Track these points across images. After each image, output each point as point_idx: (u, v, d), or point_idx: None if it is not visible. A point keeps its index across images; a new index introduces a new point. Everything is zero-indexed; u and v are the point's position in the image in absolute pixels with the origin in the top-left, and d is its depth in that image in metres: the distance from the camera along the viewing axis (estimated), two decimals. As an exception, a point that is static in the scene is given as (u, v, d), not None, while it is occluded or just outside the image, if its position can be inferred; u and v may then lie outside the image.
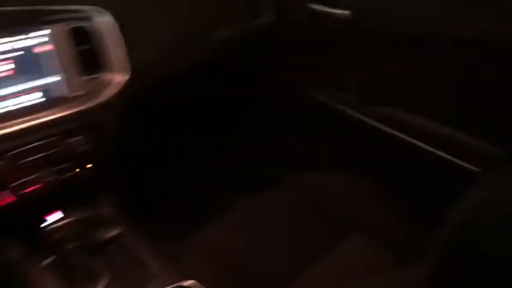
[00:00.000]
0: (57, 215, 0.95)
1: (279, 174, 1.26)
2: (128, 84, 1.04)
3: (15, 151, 0.92)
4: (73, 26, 0.99)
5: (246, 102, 1.56)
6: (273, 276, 0.96)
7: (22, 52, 0.94)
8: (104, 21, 1.01)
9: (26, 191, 0.95)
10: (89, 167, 1.03)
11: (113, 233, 1.05)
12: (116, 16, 1.02)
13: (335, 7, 1.18)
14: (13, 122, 0.91)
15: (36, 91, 0.96)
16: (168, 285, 0.88)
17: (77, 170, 1.02)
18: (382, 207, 1.15)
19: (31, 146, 0.94)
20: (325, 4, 1.22)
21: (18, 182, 0.94)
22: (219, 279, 0.95)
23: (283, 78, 1.49)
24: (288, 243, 1.06)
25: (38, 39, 0.95)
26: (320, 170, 1.25)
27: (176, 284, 0.90)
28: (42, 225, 0.94)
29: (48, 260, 0.97)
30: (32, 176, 0.96)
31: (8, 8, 0.89)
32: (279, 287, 0.77)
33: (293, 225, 1.10)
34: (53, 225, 0.93)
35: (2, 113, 0.91)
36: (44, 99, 0.97)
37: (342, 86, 1.32)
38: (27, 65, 0.95)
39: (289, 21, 1.35)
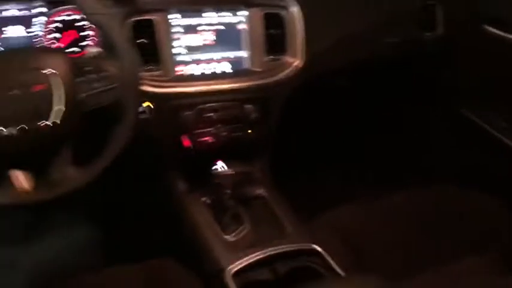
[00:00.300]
0: (221, 164, 1.15)
1: (425, 179, 1.30)
2: (302, 69, 1.19)
3: (202, 106, 1.13)
4: (268, 11, 1.16)
5: (407, 105, 1.62)
6: (392, 263, 1.03)
7: (223, 27, 1.15)
8: (295, 12, 1.16)
9: (201, 139, 1.17)
10: (253, 132, 1.21)
11: (260, 191, 1.23)
12: (302, 9, 1.16)
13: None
14: (206, 82, 1.13)
15: (226, 61, 1.17)
16: (295, 244, 1.03)
17: (245, 132, 1.20)
18: None
19: (215, 104, 1.14)
20: (503, 27, 1.22)
21: (197, 131, 1.16)
22: (342, 252, 1.06)
23: (445, 94, 1.51)
24: (415, 241, 1.11)
25: (237, 18, 1.15)
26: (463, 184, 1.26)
27: (305, 245, 1.04)
28: (209, 170, 1.15)
29: (207, 198, 1.18)
30: (209, 129, 1.17)
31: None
32: (394, 274, 0.84)
33: (426, 226, 1.15)
34: (217, 172, 1.13)
35: (199, 74, 1.14)
36: (231, 69, 1.17)
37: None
38: (224, 39, 1.15)
39: (462, 40, 1.36)
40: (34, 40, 1.03)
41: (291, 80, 1.19)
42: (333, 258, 1.01)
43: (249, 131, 1.21)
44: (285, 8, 1.17)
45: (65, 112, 0.80)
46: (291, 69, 1.19)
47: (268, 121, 1.23)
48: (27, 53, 0.87)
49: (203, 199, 1.17)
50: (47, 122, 0.79)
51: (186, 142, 1.16)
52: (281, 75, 1.18)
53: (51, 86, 0.79)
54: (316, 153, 1.66)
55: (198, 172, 1.17)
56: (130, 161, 1.09)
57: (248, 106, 1.17)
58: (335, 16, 1.24)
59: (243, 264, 0.98)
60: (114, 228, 1.44)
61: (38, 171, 0.85)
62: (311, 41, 1.19)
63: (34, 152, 0.82)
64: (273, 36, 1.18)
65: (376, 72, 1.45)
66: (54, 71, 0.79)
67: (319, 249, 1.03)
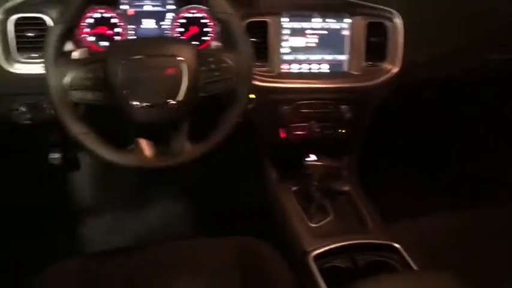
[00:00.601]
0: (313, 157, 1.25)
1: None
2: (398, 77, 1.25)
3: (300, 102, 1.24)
4: (371, 20, 1.24)
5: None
6: (470, 274, 1.06)
7: (327, 32, 1.24)
8: (398, 23, 1.23)
9: (295, 133, 1.27)
10: (345, 131, 1.29)
11: (346, 187, 1.31)
12: (405, 20, 1.23)
13: None
14: (305, 80, 1.24)
15: (326, 63, 1.27)
16: (374, 239, 1.10)
17: (338, 130, 1.29)
18: None
19: (312, 101, 1.25)
20: None
21: (293, 125, 1.26)
22: (420, 254, 1.10)
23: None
24: (495, 256, 1.13)
25: (341, 24, 1.25)
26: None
27: (385, 241, 1.11)
28: (301, 161, 1.25)
29: (296, 188, 1.28)
30: (303, 124, 1.27)
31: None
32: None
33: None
34: (308, 163, 1.23)
35: (300, 72, 1.25)
36: (329, 70, 1.27)
37: None
38: (326, 42, 1.25)
39: None
40: (165, 32, 1.20)
41: (387, 85, 1.26)
42: (412, 259, 1.07)
43: (341, 130, 1.29)
44: (389, 19, 1.24)
45: (189, 94, 0.94)
46: (388, 75, 1.25)
47: (360, 122, 1.31)
48: (165, 42, 1.02)
49: (293, 188, 1.28)
50: (173, 101, 0.94)
51: (282, 134, 1.27)
52: (378, 80, 1.25)
53: (181, 70, 0.93)
54: (402, 158, 1.70)
55: (290, 163, 1.28)
56: (231, 147, 1.23)
57: (343, 106, 1.26)
58: (437, 30, 1.29)
59: (324, 249, 1.07)
60: (209, 204, 1.60)
61: (160, 142, 1.00)
62: (410, 51, 1.25)
63: (160, 125, 0.97)
64: (374, 44, 1.25)
65: (472, 87, 1.47)
66: (183, 59, 0.94)
67: (398, 246, 1.09)
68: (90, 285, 0.98)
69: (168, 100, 0.93)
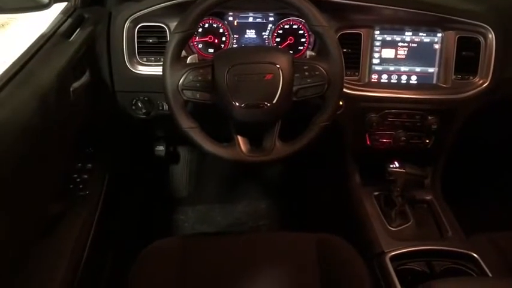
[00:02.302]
0: (397, 164, 1.29)
1: None
2: (489, 91, 1.26)
3: (388, 110, 1.29)
4: (463, 35, 1.27)
5: None
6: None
7: (415, 45, 1.29)
8: (491, 38, 1.25)
9: (381, 140, 1.33)
10: (430, 142, 1.33)
11: (428, 196, 1.34)
12: (498, 36, 1.24)
13: None
14: (394, 90, 1.29)
15: (414, 75, 1.31)
16: (453, 247, 1.12)
17: (424, 140, 1.33)
18: None
19: (399, 111, 1.30)
20: None
21: (379, 132, 1.32)
22: (499, 267, 1.11)
23: None
24: None
25: (432, 38, 1.28)
26: None
27: (463, 250, 1.13)
28: (385, 167, 1.30)
29: (378, 193, 1.35)
30: (390, 132, 1.32)
31: (415, 11, 1.24)
32: None
33: None
34: (392, 169, 1.28)
35: (389, 82, 1.30)
36: (416, 81, 1.31)
37: None
38: (416, 55, 1.30)
39: None
40: (264, 42, 1.32)
41: (477, 99, 1.28)
42: (489, 269, 1.08)
43: (427, 141, 1.33)
44: (482, 34, 1.26)
45: (283, 98, 1.05)
46: (478, 89, 1.27)
47: (446, 134, 1.33)
48: (264, 50, 1.14)
49: (375, 193, 1.34)
50: (269, 104, 1.05)
51: (368, 141, 1.34)
52: (468, 93, 1.27)
53: (278, 76, 1.04)
54: (487, 172, 1.68)
55: (374, 168, 1.34)
56: (320, 149, 1.32)
57: (431, 117, 1.30)
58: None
59: (401, 251, 1.12)
60: (293, 202, 1.70)
61: (255, 140, 1.12)
62: (504, 66, 1.26)
63: (256, 124, 1.09)
64: (464, 58, 1.27)
65: None
66: (280, 66, 1.04)
67: (476, 255, 1.11)
68: (184, 263, 1.10)
69: (265, 102, 1.05)
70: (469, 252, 1.12)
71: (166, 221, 1.77)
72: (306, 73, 1.07)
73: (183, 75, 1.05)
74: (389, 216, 1.27)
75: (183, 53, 1.27)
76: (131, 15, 1.21)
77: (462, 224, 1.28)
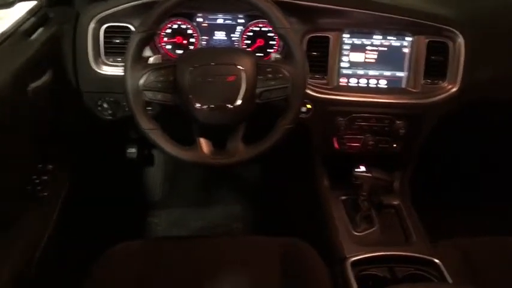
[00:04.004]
0: (362, 168, 1.28)
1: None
2: (457, 96, 1.26)
3: (356, 114, 1.29)
4: (433, 39, 1.26)
5: None
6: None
7: (385, 49, 1.29)
8: (461, 43, 1.24)
9: (349, 144, 1.32)
10: (399, 147, 1.32)
11: (395, 201, 1.33)
12: (467, 41, 1.24)
13: None
14: (362, 94, 1.28)
15: (384, 79, 1.30)
16: (416, 253, 1.11)
17: (392, 145, 1.32)
18: None
19: (367, 115, 1.29)
20: None
21: (347, 136, 1.32)
22: (461, 274, 1.10)
23: None
24: None
25: (401, 42, 1.28)
26: None
27: (426, 256, 1.12)
28: (351, 171, 1.29)
29: (346, 197, 1.34)
30: (358, 136, 1.31)
31: (384, 14, 1.23)
32: None
33: None
34: (358, 173, 1.27)
35: (358, 86, 1.30)
36: (386, 86, 1.30)
37: None
38: (385, 59, 1.29)
39: None
40: (234, 44, 1.31)
41: (445, 104, 1.27)
42: (451, 275, 1.07)
43: (395, 145, 1.32)
44: (451, 38, 1.25)
45: (246, 100, 1.04)
46: (447, 94, 1.26)
47: (415, 139, 1.33)
48: (227, 52, 1.13)
49: (342, 197, 1.33)
50: (232, 106, 1.04)
51: (336, 144, 1.33)
52: (436, 98, 1.27)
53: (240, 78, 1.03)
54: (457, 178, 1.67)
55: (342, 173, 1.33)
56: (289, 153, 1.30)
57: (399, 122, 1.29)
58: (500, 50, 1.28)
59: (363, 256, 1.11)
60: (264, 205, 1.69)
61: (218, 143, 1.11)
62: (472, 71, 1.26)
63: (218, 126, 1.08)
64: (434, 62, 1.27)
65: None
66: (243, 68, 1.04)
67: (438, 262, 1.10)
68: (144, 265, 1.09)
69: (228, 104, 1.03)
70: (432, 258, 1.11)
71: (139, 224, 1.76)
72: (270, 75, 1.06)
73: (143, 75, 1.03)
74: (354, 221, 1.26)
75: (149, 53, 1.27)
76: (96, 15, 1.20)
77: (430, 230, 1.27)
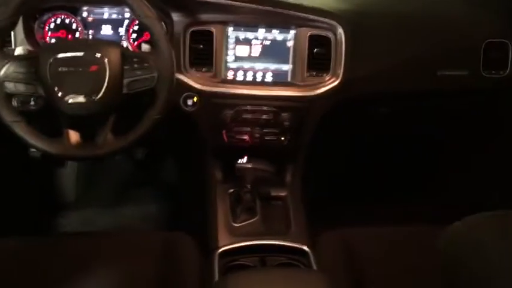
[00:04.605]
0: (244, 160, 1.28)
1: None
2: (340, 89, 1.28)
3: (241, 107, 1.29)
4: (314, 33, 1.28)
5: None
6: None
7: (269, 42, 1.30)
8: (340, 35, 1.26)
9: (237, 137, 1.32)
10: (286, 140, 1.33)
11: (283, 193, 1.34)
12: (347, 33, 1.26)
13: None
14: (248, 87, 1.29)
15: (270, 72, 1.31)
16: (288, 242, 1.12)
17: (278, 137, 1.33)
18: None
19: (254, 108, 1.29)
20: None
21: (234, 129, 1.32)
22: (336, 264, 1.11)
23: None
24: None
25: (285, 35, 1.29)
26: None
27: (297, 244, 1.13)
28: (236, 163, 1.29)
29: (232, 189, 1.33)
30: (245, 129, 1.32)
31: (267, 8, 1.24)
32: None
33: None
34: (238, 165, 1.27)
35: (244, 80, 1.30)
36: (272, 79, 1.31)
37: None
38: (270, 52, 1.30)
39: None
40: (122, 38, 1.30)
41: (328, 97, 1.28)
42: (318, 263, 1.08)
43: (283, 138, 1.33)
44: (331, 31, 1.27)
45: (111, 90, 1.03)
46: (329, 87, 1.28)
47: (301, 131, 1.34)
48: (91, 42, 1.13)
49: (231, 190, 1.33)
50: (97, 96, 1.03)
51: (225, 137, 1.33)
52: (319, 91, 1.28)
53: (104, 68, 1.02)
54: (345, 170, 1.69)
55: (231, 165, 1.33)
56: (180, 148, 1.29)
57: (284, 114, 1.30)
58: (383, 45, 1.31)
59: (232, 246, 1.11)
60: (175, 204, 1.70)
61: (85, 134, 1.09)
62: (353, 64, 1.27)
63: (85, 117, 1.06)
64: (317, 55, 1.29)
65: (421, 102, 1.45)
66: (106, 57, 1.03)
67: (307, 250, 1.10)
68: (16, 262, 1.07)
69: (92, 95, 1.02)
70: (302, 247, 1.12)
71: (46, 226, 1.72)
72: (136, 65, 1.06)
73: (3, 66, 1.02)
74: (235, 212, 1.26)
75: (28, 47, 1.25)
76: None
77: (321, 223, 1.27)
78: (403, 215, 1.35)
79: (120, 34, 1.31)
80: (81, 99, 1.02)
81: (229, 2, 1.24)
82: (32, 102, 1.05)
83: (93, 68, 1.03)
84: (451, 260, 0.55)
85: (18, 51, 1.10)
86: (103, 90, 1.02)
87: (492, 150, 1.57)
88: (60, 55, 1.02)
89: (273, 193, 1.33)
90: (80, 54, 1.04)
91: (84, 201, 1.84)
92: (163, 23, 1.20)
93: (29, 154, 1.61)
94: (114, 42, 1.24)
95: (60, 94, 1.02)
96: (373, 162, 1.72)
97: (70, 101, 1.02)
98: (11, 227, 1.57)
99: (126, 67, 1.05)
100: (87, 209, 1.81)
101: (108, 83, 1.03)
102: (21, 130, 1.04)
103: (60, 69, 1.02)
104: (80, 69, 1.03)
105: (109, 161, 1.87)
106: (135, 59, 1.06)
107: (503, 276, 0.49)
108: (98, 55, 1.03)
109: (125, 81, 1.05)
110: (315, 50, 1.28)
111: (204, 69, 1.28)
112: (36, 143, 1.05)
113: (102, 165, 1.93)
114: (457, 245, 0.55)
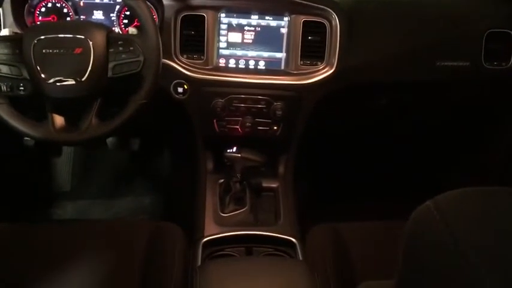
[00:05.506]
0: (234, 149, 1.25)
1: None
2: (334, 78, 1.24)
3: (233, 95, 1.26)
4: (309, 19, 1.24)
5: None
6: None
7: (262, 29, 1.26)
8: (336, 23, 1.22)
9: (228, 126, 1.29)
10: (278, 129, 1.29)
11: (275, 184, 1.30)
12: (342, 21, 1.22)
13: None
14: (240, 75, 1.26)
15: (262, 60, 1.28)
16: (275, 233, 1.08)
17: (270, 127, 1.30)
18: None
19: (244, 96, 1.26)
20: None
21: (226, 118, 1.29)
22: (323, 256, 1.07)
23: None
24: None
25: (278, 22, 1.26)
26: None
27: (282, 236, 1.09)
28: (225, 152, 1.26)
29: (222, 180, 1.30)
30: (236, 118, 1.29)
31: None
32: None
33: None
34: (227, 155, 1.24)
35: (235, 67, 1.27)
36: (264, 67, 1.28)
37: None
38: (263, 39, 1.27)
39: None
40: (113, 23, 1.28)
41: (322, 85, 1.25)
42: (305, 254, 1.04)
43: (275, 128, 1.30)
44: (327, 18, 1.23)
45: (96, 73, 1.01)
46: (323, 76, 1.24)
47: (293, 121, 1.30)
48: (77, 24, 1.11)
49: (220, 181, 1.30)
50: (81, 79, 1.01)
51: (216, 127, 1.30)
52: (313, 80, 1.25)
53: (88, 51, 1.00)
54: (338, 162, 1.65)
55: (221, 155, 1.30)
56: (174, 139, 1.27)
57: (277, 103, 1.26)
58: (380, 33, 1.27)
59: (217, 236, 1.08)
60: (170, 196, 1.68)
61: (70, 118, 1.07)
62: (348, 53, 1.24)
63: (69, 101, 1.04)
64: (311, 43, 1.25)
65: (420, 93, 1.40)
66: (91, 40, 1.01)
67: (294, 241, 1.07)
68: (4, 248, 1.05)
69: (76, 78, 1.00)
70: (289, 238, 1.09)
71: (40, 216, 1.71)
72: (121, 48, 1.03)
73: None
74: (224, 203, 1.23)
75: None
76: None
77: (313, 216, 1.24)
78: (396, 211, 1.30)
79: (112, 19, 1.29)
80: (64, 81, 1.00)
81: (222, -14, 1.21)
82: (22, 88, 1.02)
83: (78, 50, 1.01)
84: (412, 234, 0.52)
85: (4, 32, 1.08)
86: (87, 73, 1.00)
87: (492, 146, 1.52)
88: (44, 36, 1.01)
89: (265, 184, 1.30)
90: (65, 36, 1.02)
91: (79, 192, 1.83)
92: (152, 7, 1.18)
93: (23, 143, 1.60)
94: (100, 24, 1.22)
95: (43, 76, 1.00)
96: (367, 158, 1.68)
97: (52, 81, 1.00)
98: (5, 216, 1.56)
99: (111, 50, 1.03)
100: (82, 200, 1.79)
101: (92, 66, 1.00)
102: (3, 112, 1.02)
103: (44, 50, 1.00)
104: (64, 51, 1.01)
105: (103, 151, 1.86)
106: (119, 42, 1.04)
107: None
108: (83, 37, 1.01)
109: (110, 64, 1.03)
110: (309, 37, 1.25)
111: (195, 56, 1.26)
112: (19, 126, 1.03)
113: (97, 156, 1.92)
114: (420, 222, 0.52)
